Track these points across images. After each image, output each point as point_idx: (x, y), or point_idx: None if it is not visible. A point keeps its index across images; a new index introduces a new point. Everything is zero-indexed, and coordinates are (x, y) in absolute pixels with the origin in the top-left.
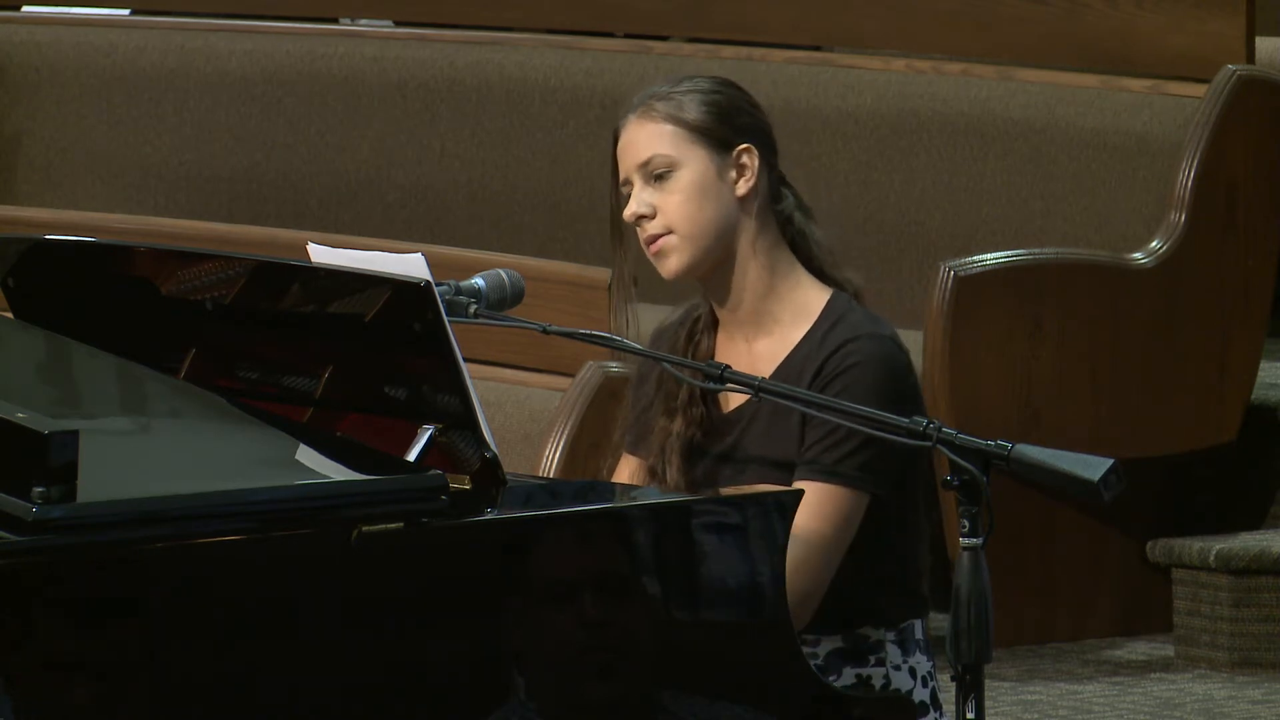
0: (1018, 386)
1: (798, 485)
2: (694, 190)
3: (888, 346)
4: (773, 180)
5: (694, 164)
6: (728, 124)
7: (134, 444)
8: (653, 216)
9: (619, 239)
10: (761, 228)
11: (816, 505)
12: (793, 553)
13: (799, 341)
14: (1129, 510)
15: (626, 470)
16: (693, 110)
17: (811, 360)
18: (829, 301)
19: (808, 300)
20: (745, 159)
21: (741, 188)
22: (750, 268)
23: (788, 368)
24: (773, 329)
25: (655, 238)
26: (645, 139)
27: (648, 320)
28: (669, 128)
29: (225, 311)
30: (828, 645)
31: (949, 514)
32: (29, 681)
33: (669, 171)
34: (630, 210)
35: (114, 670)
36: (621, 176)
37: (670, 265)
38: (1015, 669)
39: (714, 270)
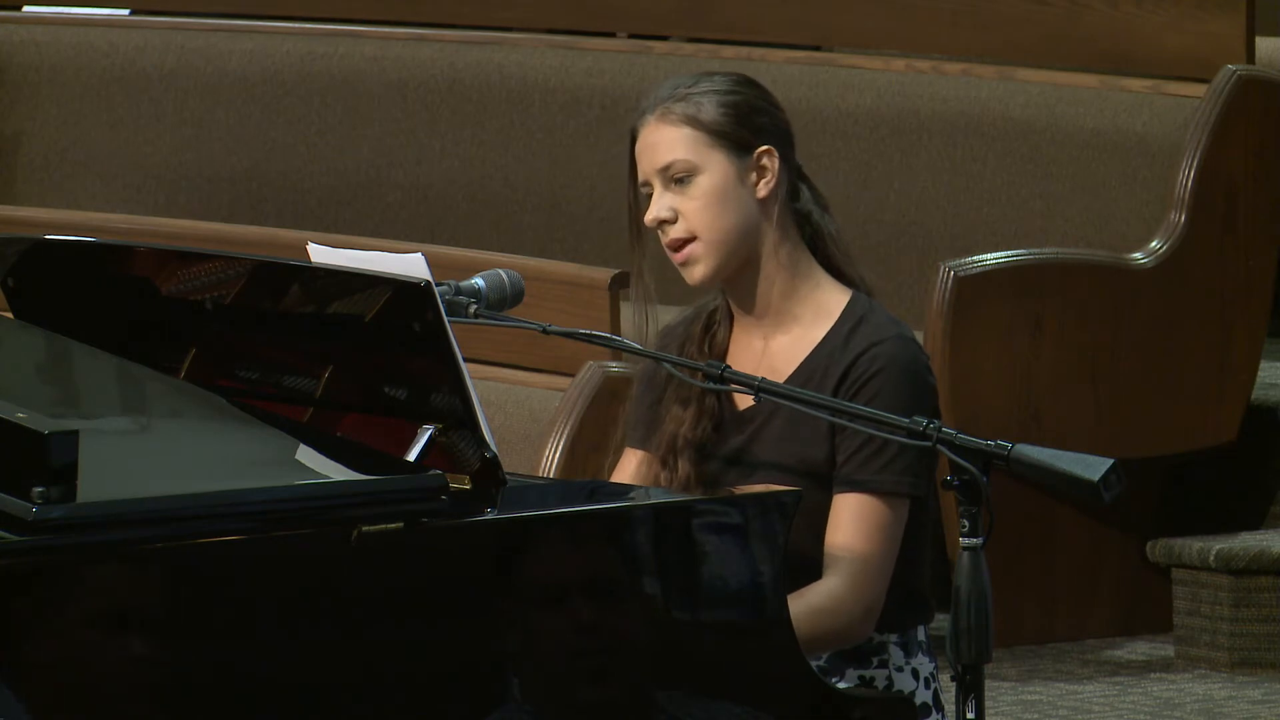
0: (1018, 386)
1: (839, 499)
2: (715, 195)
3: (911, 349)
4: (791, 177)
5: (715, 169)
6: (747, 126)
7: (134, 444)
8: (674, 221)
9: (638, 238)
10: (782, 228)
11: (862, 520)
12: (849, 572)
13: (819, 342)
14: (1129, 510)
15: (632, 463)
16: (711, 112)
17: (836, 363)
18: (849, 302)
19: (827, 300)
20: (765, 161)
21: (762, 190)
22: (772, 269)
23: (809, 368)
24: (791, 328)
25: (680, 244)
26: (664, 143)
27: (662, 321)
28: (688, 131)
29: (225, 311)
30: (855, 645)
31: (949, 514)
32: (29, 681)
33: (689, 176)
34: (652, 215)
35: (114, 670)
36: (641, 179)
37: (696, 273)
38: (1015, 669)
39: (738, 274)
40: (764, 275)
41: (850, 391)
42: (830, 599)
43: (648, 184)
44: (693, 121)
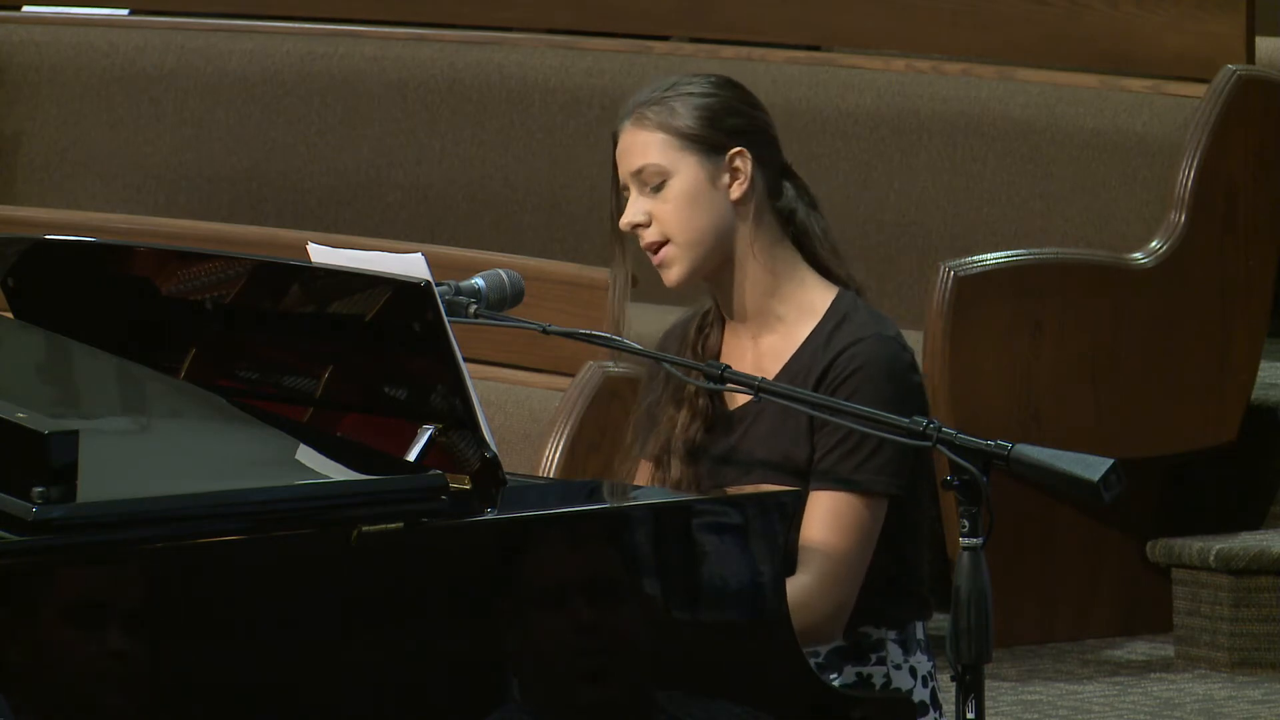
0: (1018, 386)
1: (814, 496)
2: (686, 199)
3: (892, 347)
4: (770, 177)
5: (685, 172)
6: (718, 128)
7: (134, 444)
8: (648, 225)
9: (618, 240)
10: (759, 228)
11: (836, 516)
12: (820, 569)
13: (805, 340)
14: (1129, 510)
15: (642, 475)
16: (683, 116)
17: (818, 361)
18: (834, 300)
19: (813, 298)
20: (738, 163)
21: (735, 191)
22: (751, 268)
23: (794, 366)
24: (777, 327)
25: (654, 246)
26: (638, 147)
27: (650, 320)
28: (660, 135)
29: (225, 311)
30: (829, 644)
31: (949, 514)
32: (29, 681)
33: (661, 180)
34: (626, 219)
35: (113, 670)
36: (620, 182)
37: (671, 275)
38: (1015, 669)
39: (716, 274)
40: (744, 275)
41: (829, 389)
42: (798, 594)
43: (626, 187)
44: (664, 126)
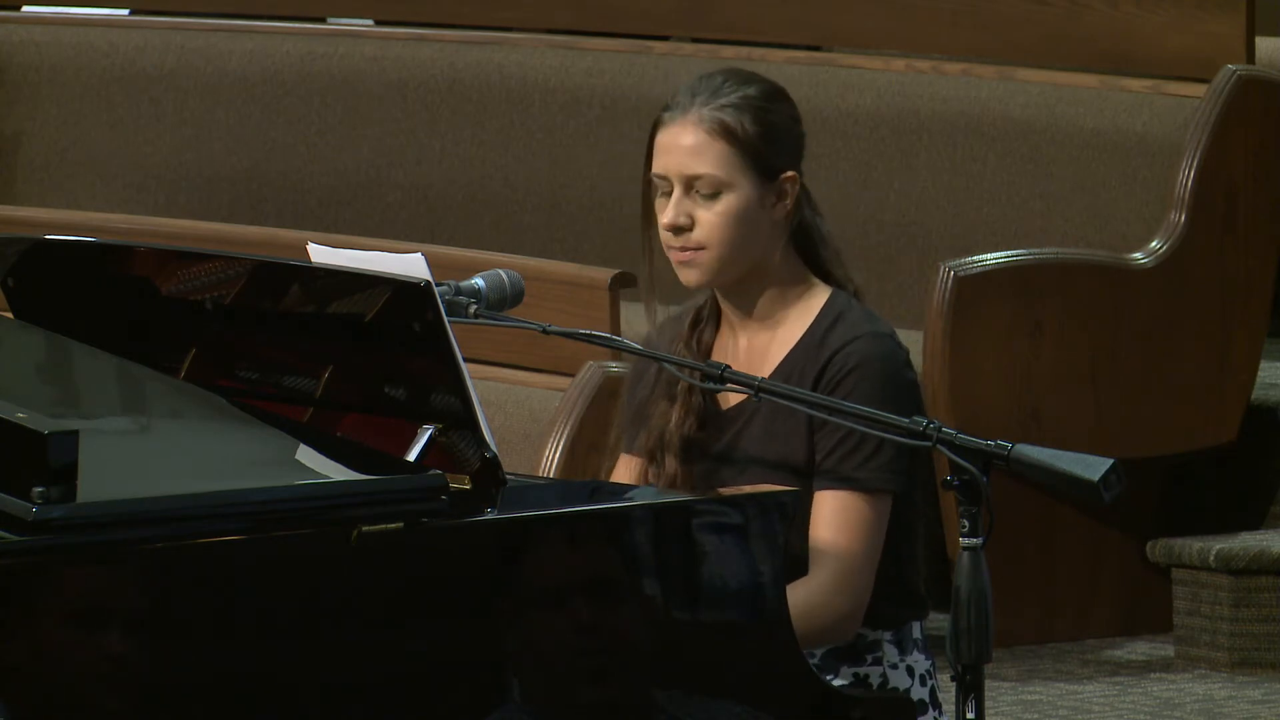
0: (1018, 386)
1: (819, 496)
2: (737, 216)
3: (887, 345)
4: (803, 195)
5: (742, 190)
6: (778, 149)
7: (134, 444)
8: (691, 228)
9: (649, 225)
10: (784, 243)
11: (843, 516)
12: (833, 569)
13: (799, 340)
14: (1129, 510)
15: (624, 470)
16: (749, 129)
17: (813, 360)
18: (828, 299)
19: (809, 299)
20: (787, 186)
21: (779, 213)
22: (770, 281)
23: (789, 366)
24: (775, 328)
25: (687, 249)
26: (697, 152)
27: (644, 321)
28: (722, 145)
29: (225, 311)
30: (840, 644)
31: (949, 514)
32: (28, 681)
33: (716, 192)
34: (669, 219)
35: (113, 670)
36: (659, 171)
37: (693, 276)
38: (1015, 669)
39: (735, 283)
40: (761, 286)
41: (827, 388)
42: (817, 596)
43: (666, 179)
44: (729, 136)
